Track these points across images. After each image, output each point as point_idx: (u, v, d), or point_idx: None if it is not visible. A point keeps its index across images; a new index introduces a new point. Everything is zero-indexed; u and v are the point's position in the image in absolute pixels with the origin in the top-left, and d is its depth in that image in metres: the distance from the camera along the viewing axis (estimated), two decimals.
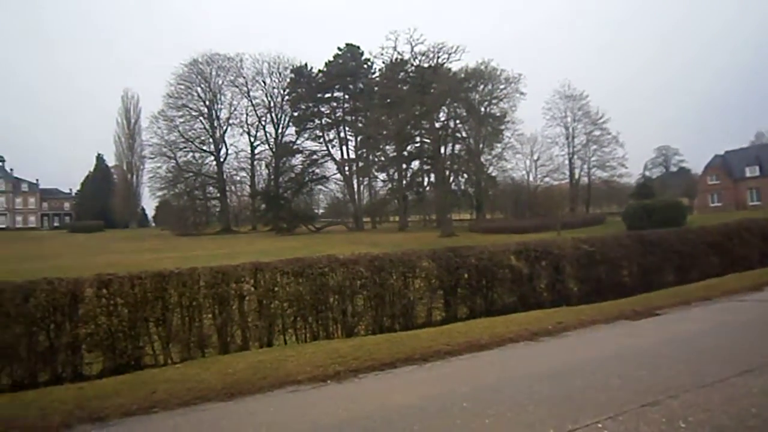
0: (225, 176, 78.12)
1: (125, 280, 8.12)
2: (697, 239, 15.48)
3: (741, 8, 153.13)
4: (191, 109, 75.95)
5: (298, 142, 77.87)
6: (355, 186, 76.89)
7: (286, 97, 77.36)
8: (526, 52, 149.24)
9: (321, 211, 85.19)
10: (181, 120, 75.72)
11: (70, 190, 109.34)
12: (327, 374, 6.86)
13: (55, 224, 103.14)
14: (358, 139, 74.64)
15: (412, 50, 64.27)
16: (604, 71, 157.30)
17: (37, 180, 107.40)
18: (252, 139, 78.79)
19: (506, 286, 11.68)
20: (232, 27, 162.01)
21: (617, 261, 13.62)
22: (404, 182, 70.90)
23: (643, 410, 5.00)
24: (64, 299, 7.62)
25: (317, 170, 77.57)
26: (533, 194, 71.67)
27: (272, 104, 77.48)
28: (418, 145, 69.25)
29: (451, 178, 66.86)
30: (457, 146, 68.70)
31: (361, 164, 74.46)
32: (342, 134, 76.67)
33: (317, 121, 76.33)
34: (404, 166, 70.70)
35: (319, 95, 74.95)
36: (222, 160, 77.65)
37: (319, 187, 79.81)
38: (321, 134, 76.68)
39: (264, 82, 77.00)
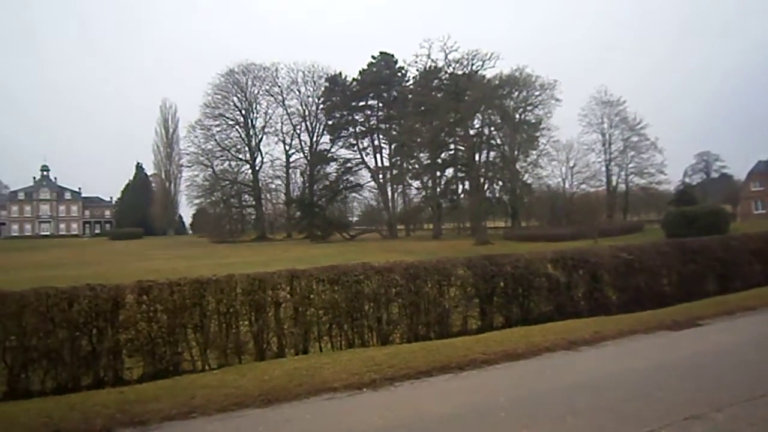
0: (260, 184, 78.71)
1: (164, 287, 8.25)
2: (741, 247, 15.04)
3: None
4: (227, 118, 76.92)
5: (333, 150, 78.23)
6: (389, 194, 76.81)
7: (321, 106, 77.65)
8: (562, 59, 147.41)
9: (355, 218, 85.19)
10: (218, 129, 76.75)
11: (111, 198, 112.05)
12: (362, 382, 6.86)
13: (96, 231, 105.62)
14: (392, 146, 74.57)
15: (446, 58, 64.03)
16: (645, 77, 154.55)
17: (79, 188, 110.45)
18: (287, 148, 79.33)
19: (543, 294, 11.54)
20: (267, 38, 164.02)
21: (657, 269, 13.33)
22: (438, 190, 70.52)
23: (686, 423, 4.89)
24: (106, 305, 7.78)
25: (351, 178, 77.75)
26: (569, 202, 70.55)
27: (307, 113, 77.92)
28: (452, 152, 68.86)
29: (486, 186, 66.35)
30: (492, 153, 68.14)
31: (395, 172, 74.26)
32: (376, 142, 76.80)
33: (351, 129, 76.48)
34: (438, 173, 70.34)
35: (353, 103, 75.15)
36: (257, 168, 78.31)
37: (353, 194, 79.94)
38: (355, 142, 76.87)
39: (299, 91, 77.46)
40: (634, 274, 12.79)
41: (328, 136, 78.03)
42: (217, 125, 76.54)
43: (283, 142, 79.12)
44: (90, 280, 8.52)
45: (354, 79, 75.92)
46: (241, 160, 78.43)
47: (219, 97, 75.98)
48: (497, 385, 6.76)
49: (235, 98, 76.56)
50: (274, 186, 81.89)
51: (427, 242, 56.74)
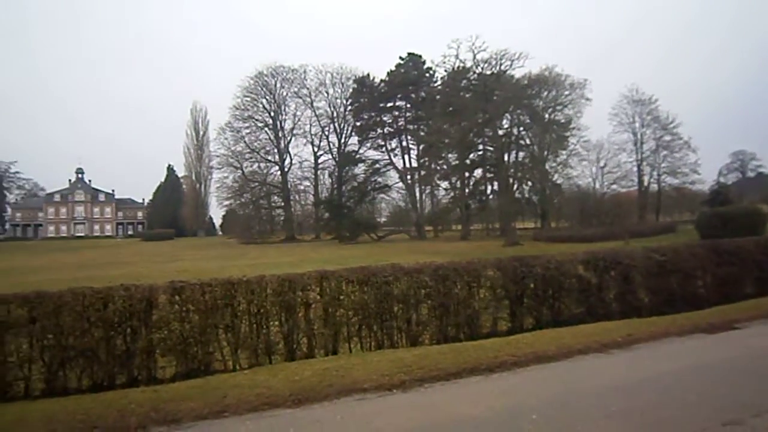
0: (289, 185, 79.35)
1: (196, 288, 8.38)
2: None
3: None
4: (257, 120, 77.76)
5: (361, 151, 78.47)
6: (417, 194, 76.72)
7: (349, 107, 77.95)
8: (593, 58, 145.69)
9: (383, 219, 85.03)
10: (247, 131, 77.62)
11: (143, 199, 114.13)
12: (392, 383, 6.86)
13: (129, 232, 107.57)
14: (420, 147, 74.30)
15: (474, 58, 63.56)
16: (679, 75, 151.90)
17: (113, 190, 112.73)
18: (315, 149, 79.82)
19: (573, 296, 11.42)
20: (296, 40, 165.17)
21: (691, 271, 13.07)
22: (467, 190, 70.13)
23: (723, 430, 4.78)
24: (140, 305, 7.94)
25: (379, 179, 77.75)
26: (600, 202, 69.50)
27: (335, 114, 78.32)
28: (480, 153, 68.41)
29: (515, 186, 65.71)
30: (521, 154, 67.40)
31: (423, 173, 74.10)
32: (404, 143, 76.69)
33: (379, 131, 76.52)
34: (467, 174, 69.93)
35: (381, 105, 75.22)
36: (286, 169, 78.96)
37: (382, 195, 79.83)
38: (383, 143, 76.94)
39: (327, 93, 77.93)
40: (667, 276, 12.56)
41: (356, 138, 78.32)
42: (247, 127, 77.59)
43: (312, 143, 79.79)
44: (124, 281, 8.69)
45: (382, 80, 76.01)
46: (270, 161, 79.20)
47: (248, 99, 77.02)
48: (528, 387, 6.71)
49: (264, 100, 77.49)
50: (302, 187, 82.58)
51: (456, 243, 56.47)
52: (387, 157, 77.04)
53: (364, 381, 6.92)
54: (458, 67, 65.65)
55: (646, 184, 73.03)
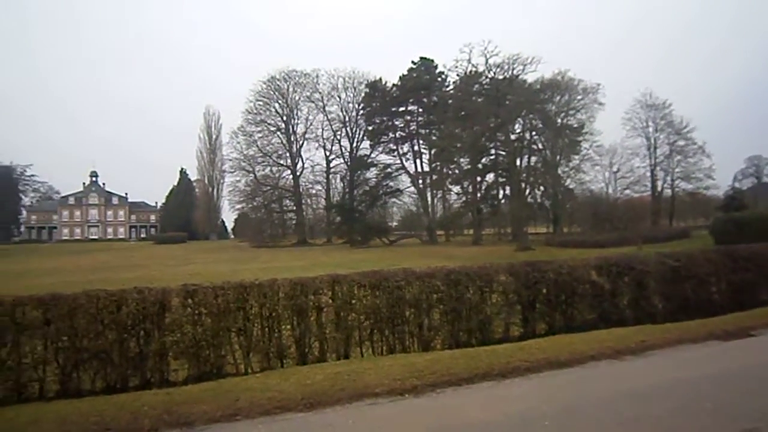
0: (301, 189, 79.54)
1: (209, 291, 8.42)
2: None
3: None
4: (269, 124, 78.08)
5: (373, 155, 78.36)
6: (429, 199, 76.54)
7: (361, 112, 78.05)
8: (594, 58, 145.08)
9: (394, 223, 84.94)
10: (260, 135, 77.91)
11: (156, 203, 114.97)
12: (404, 388, 6.85)
13: (142, 235, 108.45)
14: (432, 152, 74.20)
15: (486, 62, 63.49)
16: (679, 75, 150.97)
17: (126, 194, 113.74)
18: (327, 153, 79.96)
19: (586, 302, 11.34)
20: (296, 40, 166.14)
21: (705, 277, 12.92)
22: (479, 195, 69.97)
23: None
24: (153, 308, 7.98)
25: (391, 183, 77.72)
26: (613, 207, 69.03)
27: (347, 119, 78.44)
28: (492, 157, 68.29)
29: (527, 191, 65.58)
30: (533, 158, 67.28)
31: (435, 177, 74.01)
32: (416, 147, 76.56)
33: (391, 135, 76.56)
34: (479, 178, 69.79)
35: (393, 109, 75.23)
36: (298, 173, 79.17)
37: (393, 200, 79.75)
38: (395, 147, 76.94)
39: (339, 97, 78.08)
40: (681, 282, 12.44)
41: (368, 142, 78.33)
42: (259, 131, 77.94)
43: (324, 147, 79.91)
44: (137, 284, 8.75)
45: (394, 84, 75.98)
46: (282, 165, 79.47)
47: (261, 103, 77.38)
48: (541, 393, 6.67)
49: (276, 104, 77.77)
50: (314, 191, 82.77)
51: (468, 248, 56.29)
52: (399, 162, 77.04)
53: (375, 385, 6.91)
54: (470, 71, 65.62)
55: (659, 189, 72.48)
